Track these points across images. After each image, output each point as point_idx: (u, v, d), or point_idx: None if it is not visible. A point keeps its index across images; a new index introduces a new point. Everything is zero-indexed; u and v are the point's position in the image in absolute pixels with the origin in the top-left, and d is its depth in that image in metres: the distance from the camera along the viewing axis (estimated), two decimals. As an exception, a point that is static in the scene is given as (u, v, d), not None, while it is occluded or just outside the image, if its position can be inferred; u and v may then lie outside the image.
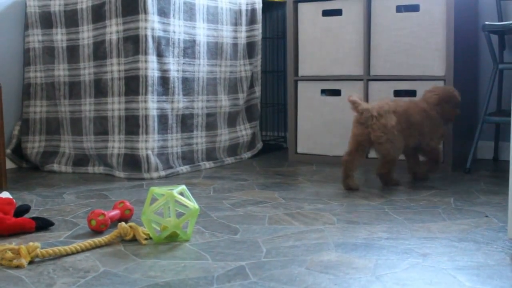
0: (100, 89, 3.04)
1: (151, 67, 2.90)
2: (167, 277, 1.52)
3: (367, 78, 3.20)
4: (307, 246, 1.77)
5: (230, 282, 1.48)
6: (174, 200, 1.80)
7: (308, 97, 3.39)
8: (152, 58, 2.91)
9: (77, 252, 1.73)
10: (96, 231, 1.95)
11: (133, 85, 2.91)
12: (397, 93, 3.16)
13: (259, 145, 3.66)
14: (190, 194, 1.88)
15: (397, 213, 2.15)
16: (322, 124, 3.36)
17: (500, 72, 3.28)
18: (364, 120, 2.59)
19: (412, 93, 3.15)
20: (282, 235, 1.90)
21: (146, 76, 2.89)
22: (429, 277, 1.49)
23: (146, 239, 1.84)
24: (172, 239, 1.84)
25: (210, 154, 3.29)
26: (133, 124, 2.93)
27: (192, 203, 1.84)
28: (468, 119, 3.28)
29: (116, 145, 2.99)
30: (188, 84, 3.13)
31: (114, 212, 2.02)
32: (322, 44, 3.34)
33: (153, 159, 2.92)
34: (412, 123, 2.67)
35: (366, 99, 3.21)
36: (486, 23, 2.86)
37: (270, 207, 2.28)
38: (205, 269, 1.58)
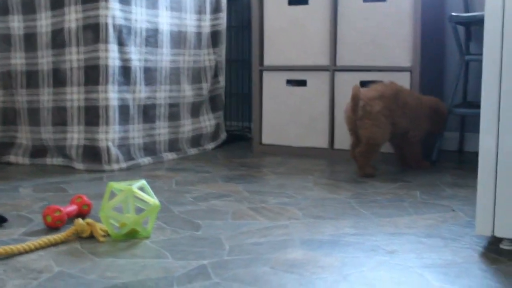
0: (58, 78, 2.94)
1: (112, 56, 2.81)
2: (125, 278, 1.45)
3: (334, 68, 3.16)
4: (272, 243, 1.71)
5: (191, 283, 1.41)
6: (133, 196, 1.73)
7: (273, 87, 3.34)
8: (113, 47, 2.82)
9: (31, 250, 1.64)
10: (52, 228, 1.86)
11: (93, 74, 2.82)
12: (364, 84, 3.12)
13: (223, 136, 3.59)
14: (150, 189, 1.81)
15: (363, 207, 2.11)
16: (287, 115, 3.31)
17: (466, 63, 3.26)
18: (350, 108, 2.63)
19: (378, 84, 3.12)
20: (246, 231, 1.84)
21: (106, 66, 2.80)
22: (397, 276, 1.45)
23: (104, 236, 1.77)
24: (131, 236, 1.77)
25: (172, 145, 3.21)
26: (93, 115, 2.84)
27: (152, 199, 1.77)
28: (434, 111, 3.26)
29: (75, 136, 2.89)
30: (150, 74, 3.04)
31: (71, 208, 1.94)
32: (287, 33, 3.28)
33: (114, 151, 2.83)
34: (406, 104, 2.70)
35: (332, 89, 3.16)
36: (453, 14, 2.83)
37: (234, 201, 2.22)
38: (165, 268, 1.51)
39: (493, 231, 1.62)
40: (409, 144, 2.78)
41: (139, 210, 2.04)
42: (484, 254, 1.60)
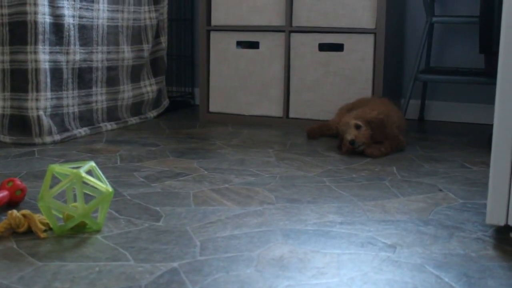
0: (-22, 36, 2.54)
1: (41, 11, 2.43)
2: (79, 290, 1.15)
3: (289, 29, 2.88)
4: (250, 237, 1.44)
5: (164, 295, 1.13)
6: (81, 182, 1.42)
7: (221, 50, 3.03)
8: (42, 0, 2.44)
9: (-47, 253, 1.32)
10: (-22, 220, 1.53)
11: (20, 32, 2.44)
12: (322, 47, 2.86)
13: (166, 103, 3.27)
14: (100, 172, 1.50)
15: (341, 188, 1.87)
16: (237, 80, 3.01)
17: (430, 26, 3.03)
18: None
19: (338, 47, 2.86)
20: (215, 220, 1.56)
21: (35, 22, 2.42)
22: (410, 279, 1.21)
23: (45, 230, 1.45)
24: (78, 230, 1.46)
25: (111, 114, 2.87)
26: (20, 79, 2.47)
27: (104, 185, 1.46)
28: (395, 77, 3.04)
29: (0, 104, 2.52)
30: (85, 33, 2.68)
31: (1, 194, 1.60)
32: (238, -10, 2.97)
33: (46, 121, 2.48)
34: None
35: (288, 53, 2.88)
36: (423, -29, 2.59)
37: (192, 181, 1.93)
38: (128, 275, 1.22)
39: (507, 220, 1.40)
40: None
41: (86, 197, 1.72)
42: (498, 247, 1.39)
